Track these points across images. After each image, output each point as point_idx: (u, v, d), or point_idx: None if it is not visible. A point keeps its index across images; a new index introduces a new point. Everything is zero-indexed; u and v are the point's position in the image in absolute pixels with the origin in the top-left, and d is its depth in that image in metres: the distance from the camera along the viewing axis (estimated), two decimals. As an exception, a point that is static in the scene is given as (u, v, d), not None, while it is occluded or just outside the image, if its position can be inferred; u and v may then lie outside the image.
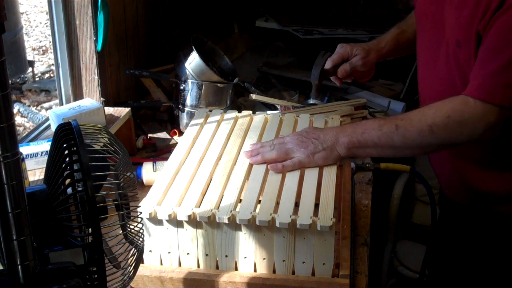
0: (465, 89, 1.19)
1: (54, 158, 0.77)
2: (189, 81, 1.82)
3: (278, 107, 1.95)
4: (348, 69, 1.55)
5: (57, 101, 2.01)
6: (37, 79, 4.67)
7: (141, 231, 0.84)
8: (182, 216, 1.09)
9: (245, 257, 1.11)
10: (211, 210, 1.09)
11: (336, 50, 1.57)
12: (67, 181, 0.75)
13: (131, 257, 0.83)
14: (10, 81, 0.65)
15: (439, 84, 1.33)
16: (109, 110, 1.72)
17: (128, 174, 0.84)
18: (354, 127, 1.26)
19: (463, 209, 1.45)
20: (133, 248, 0.82)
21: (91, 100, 1.68)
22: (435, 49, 1.33)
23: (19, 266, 0.69)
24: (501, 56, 1.14)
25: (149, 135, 1.87)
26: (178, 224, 1.11)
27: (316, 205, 1.11)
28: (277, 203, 1.12)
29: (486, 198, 1.37)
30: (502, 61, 1.14)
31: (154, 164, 1.55)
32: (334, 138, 1.24)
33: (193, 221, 1.10)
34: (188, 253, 1.13)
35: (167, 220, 1.11)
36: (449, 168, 1.42)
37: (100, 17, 1.65)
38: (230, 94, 1.89)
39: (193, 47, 1.81)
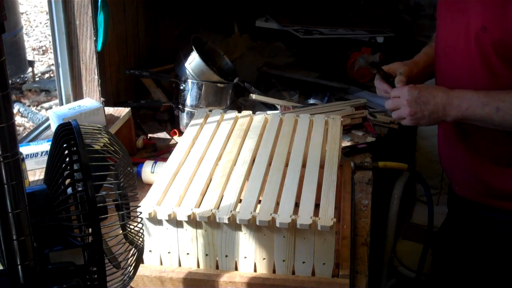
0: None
1: (54, 158, 0.77)
2: (189, 81, 1.82)
3: (278, 107, 1.95)
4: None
5: (57, 101, 2.01)
6: (37, 79, 4.66)
7: (141, 231, 0.84)
8: (181, 216, 1.09)
9: (245, 257, 1.11)
10: (211, 210, 1.09)
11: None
12: (67, 181, 0.75)
13: (131, 257, 0.83)
14: (10, 81, 0.65)
15: (458, 71, 1.34)
16: (109, 110, 1.72)
17: (128, 174, 0.84)
18: (460, 99, 1.28)
19: (474, 207, 1.45)
20: (133, 248, 0.83)
21: (91, 100, 1.68)
22: (455, 38, 1.34)
23: (19, 266, 0.69)
24: None
25: (149, 135, 1.87)
26: (178, 224, 1.11)
27: (317, 205, 1.11)
28: (277, 203, 1.12)
29: (501, 196, 1.37)
30: None
31: (154, 165, 1.55)
32: (442, 109, 1.29)
33: (193, 221, 1.10)
34: (188, 253, 1.13)
35: (166, 220, 1.11)
36: (463, 165, 1.42)
37: (100, 17, 1.65)
38: (230, 94, 1.89)
39: (193, 47, 1.81)
